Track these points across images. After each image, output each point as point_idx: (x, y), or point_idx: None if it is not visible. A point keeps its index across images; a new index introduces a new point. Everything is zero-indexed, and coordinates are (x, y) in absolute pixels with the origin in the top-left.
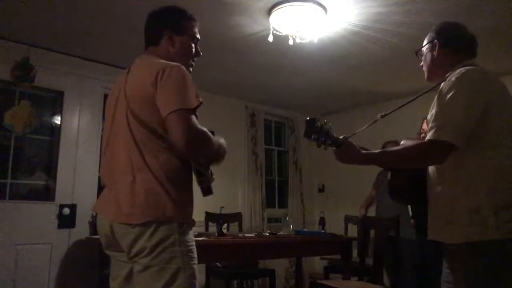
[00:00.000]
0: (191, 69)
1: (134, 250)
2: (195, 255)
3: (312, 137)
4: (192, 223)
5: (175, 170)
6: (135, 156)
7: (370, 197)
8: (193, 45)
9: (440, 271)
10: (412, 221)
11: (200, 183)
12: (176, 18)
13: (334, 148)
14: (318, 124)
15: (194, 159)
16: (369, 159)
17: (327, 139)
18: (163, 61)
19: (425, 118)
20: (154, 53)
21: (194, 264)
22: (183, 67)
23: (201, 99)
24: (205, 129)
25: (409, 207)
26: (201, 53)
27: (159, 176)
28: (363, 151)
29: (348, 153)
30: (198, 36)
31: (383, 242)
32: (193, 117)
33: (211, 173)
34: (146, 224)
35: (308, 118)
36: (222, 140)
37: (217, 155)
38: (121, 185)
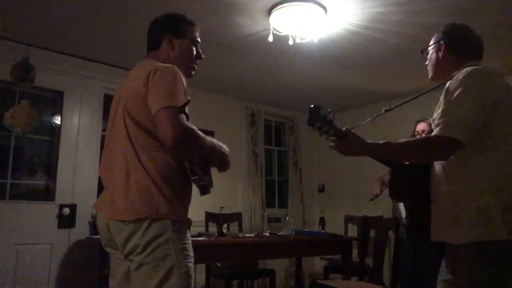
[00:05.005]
0: (193, 72)
1: (128, 248)
2: (191, 253)
3: (316, 125)
4: (188, 222)
5: (170, 169)
6: (131, 156)
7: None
8: (193, 48)
9: (435, 271)
10: (405, 220)
11: (193, 182)
12: (176, 23)
13: (335, 139)
14: (322, 112)
15: (182, 155)
16: (374, 149)
17: (330, 129)
18: (158, 63)
19: (418, 120)
20: (155, 57)
21: (189, 262)
22: (176, 68)
23: (189, 97)
24: (193, 126)
25: (402, 205)
26: (202, 56)
27: (153, 175)
28: (369, 141)
29: (353, 143)
30: (198, 39)
31: (383, 243)
32: (181, 114)
33: (211, 179)
34: (139, 221)
35: (312, 106)
36: (224, 146)
37: (212, 156)
38: (117, 184)
